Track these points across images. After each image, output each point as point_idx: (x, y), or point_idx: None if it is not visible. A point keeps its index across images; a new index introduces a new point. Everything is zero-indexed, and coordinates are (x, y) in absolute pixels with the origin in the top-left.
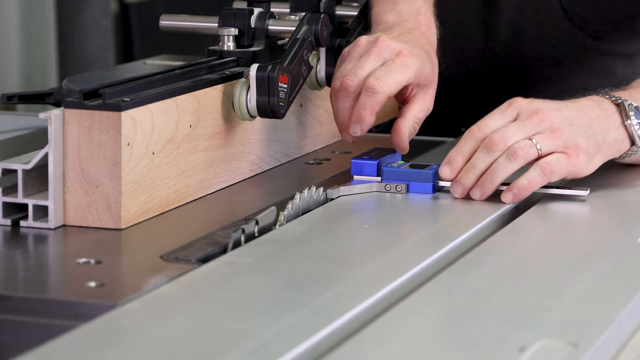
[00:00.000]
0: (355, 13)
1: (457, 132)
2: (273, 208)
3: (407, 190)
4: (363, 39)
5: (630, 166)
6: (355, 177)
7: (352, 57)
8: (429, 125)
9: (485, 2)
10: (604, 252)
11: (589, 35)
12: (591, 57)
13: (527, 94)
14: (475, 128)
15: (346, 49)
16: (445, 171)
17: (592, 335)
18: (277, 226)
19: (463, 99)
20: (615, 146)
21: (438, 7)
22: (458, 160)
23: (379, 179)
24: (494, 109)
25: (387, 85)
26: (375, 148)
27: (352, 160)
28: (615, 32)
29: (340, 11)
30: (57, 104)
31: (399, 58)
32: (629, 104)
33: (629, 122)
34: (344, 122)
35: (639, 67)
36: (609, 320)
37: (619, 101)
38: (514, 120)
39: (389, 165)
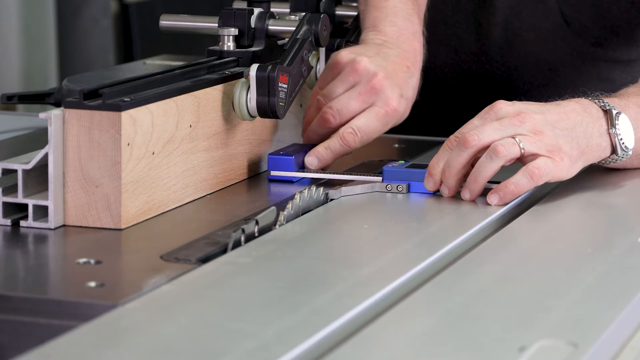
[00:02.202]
0: (355, 13)
1: (452, 131)
2: (273, 208)
3: (408, 190)
4: (363, 66)
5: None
6: (272, 173)
7: (346, 81)
8: (422, 127)
9: (480, 4)
10: (604, 252)
11: (588, 42)
12: (588, 64)
13: (522, 98)
14: (452, 137)
15: (341, 56)
16: (428, 183)
17: (592, 335)
18: (277, 226)
19: (457, 101)
20: (597, 152)
21: (435, 8)
22: (436, 171)
23: (297, 174)
24: None
25: (361, 142)
26: (293, 144)
27: (268, 156)
28: (615, 38)
29: (340, 11)
30: (57, 104)
31: (388, 116)
32: (617, 113)
33: (614, 130)
34: (308, 140)
35: (638, 73)
36: (609, 320)
37: (607, 108)
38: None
39: (390, 166)
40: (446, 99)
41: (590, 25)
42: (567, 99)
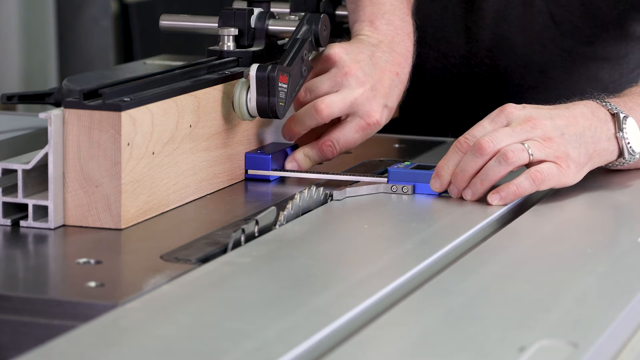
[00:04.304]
0: None
1: (443, 134)
2: (273, 208)
3: (414, 192)
4: (354, 73)
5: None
6: (250, 172)
7: (333, 80)
8: (415, 128)
9: (468, 8)
10: (604, 252)
11: (579, 41)
12: (578, 64)
13: (512, 101)
14: (462, 139)
15: (334, 53)
16: (435, 184)
17: (592, 335)
18: (277, 226)
19: (447, 105)
20: (604, 156)
21: (423, 12)
22: (445, 173)
23: (272, 172)
24: (479, 116)
25: (339, 153)
26: (272, 143)
27: (245, 155)
28: (605, 34)
29: (340, 11)
30: (57, 104)
31: (369, 128)
32: (624, 116)
33: (621, 134)
34: (289, 130)
35: (625, 69)
36: (609, 320)
37: (615, 111)
38: (505, 127)
39: (395, 167)
40: (437, 102)
41: (580, 25)
42: (575, 101)
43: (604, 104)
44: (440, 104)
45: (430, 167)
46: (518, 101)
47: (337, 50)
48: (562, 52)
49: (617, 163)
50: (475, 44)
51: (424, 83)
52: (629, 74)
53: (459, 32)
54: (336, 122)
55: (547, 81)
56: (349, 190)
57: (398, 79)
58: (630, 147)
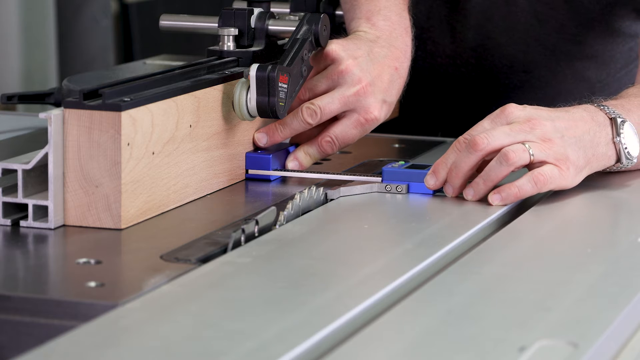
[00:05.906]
0: None
1: (432, 133)
2: (273, 208)
3: (408, 191)
4: (350, 69)
5: None
6: (250, 171)
7: (330, 79)
8: (405, 127)
9: (452, 8)
10: (604, 252)
11: (564, 40)
12: (563, 63)
13: (498, 101)
14: (461, 138)
15: (331, 50)
16: (430, 181)
17: (592, 335)
18: (277, 226)
19: (436, 104)
20: (602, 160)
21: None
22: (442, 171)
23: (273, 172)
24: (468, 115)
25: (339, 149)
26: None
27: (246, 154)
28: (591, 32)
29: (339, 11)
30: (57, 104)
31: (368, 124)
32: (622, 121)
33: (619, 139)
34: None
35: (612, 69)
36: (609, 320)
37: (613, 115)
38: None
39: (390, 166)
40: (425, 102)
41: (565, 22)
42: (575, 104)
43: (602, 107)
44: (429, 104)
45: (425, 167)
46: (505, 101)
47: (335, 47)
48: (546, 50)
49: (614, 168)
50: (460, 43)
51: (413, 83)
52: (616, 73)
53: (444, 32)
54: (334, 118)
55: (532, 80)
56: (343, 190)
57: (397, 73)
58: (628, 151)
